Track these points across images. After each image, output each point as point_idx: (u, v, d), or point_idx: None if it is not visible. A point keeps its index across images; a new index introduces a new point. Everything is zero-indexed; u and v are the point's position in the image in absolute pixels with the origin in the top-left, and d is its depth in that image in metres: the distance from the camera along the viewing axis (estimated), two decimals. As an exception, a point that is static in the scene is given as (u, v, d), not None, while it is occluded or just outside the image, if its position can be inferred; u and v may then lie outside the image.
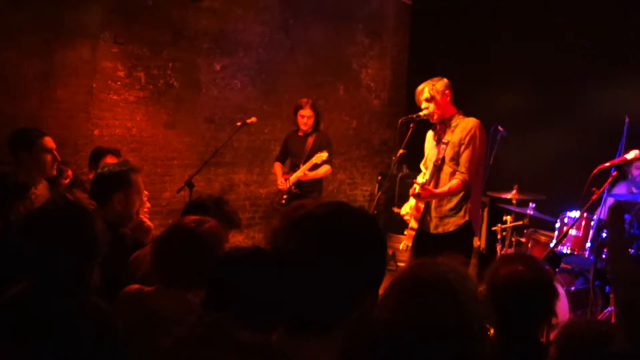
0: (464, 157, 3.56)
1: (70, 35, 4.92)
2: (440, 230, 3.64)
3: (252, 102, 6.09)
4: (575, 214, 4.22)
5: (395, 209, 6.42)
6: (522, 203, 4.95)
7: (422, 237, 3.67)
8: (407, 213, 3.77)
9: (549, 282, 1.94)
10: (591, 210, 3.95)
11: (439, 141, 3.72)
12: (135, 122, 5.40)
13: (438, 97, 3.63)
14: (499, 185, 5.11)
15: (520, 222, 4.97)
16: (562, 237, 3.92)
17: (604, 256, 3.97)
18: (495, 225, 5.12)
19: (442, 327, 1.08)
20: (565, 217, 4.33)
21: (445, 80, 3.73)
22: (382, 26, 7.16)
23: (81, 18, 4.95)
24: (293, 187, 5.12)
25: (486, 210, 5.55)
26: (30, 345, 1.68)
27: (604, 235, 3.98)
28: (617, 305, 2.28)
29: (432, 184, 3.66)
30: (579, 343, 1.64)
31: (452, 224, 3.61)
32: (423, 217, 3.70)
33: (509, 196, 4.97)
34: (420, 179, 3.93)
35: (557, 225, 4.39)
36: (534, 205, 4.88)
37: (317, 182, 5.23)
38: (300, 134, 5.25)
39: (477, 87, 6.02)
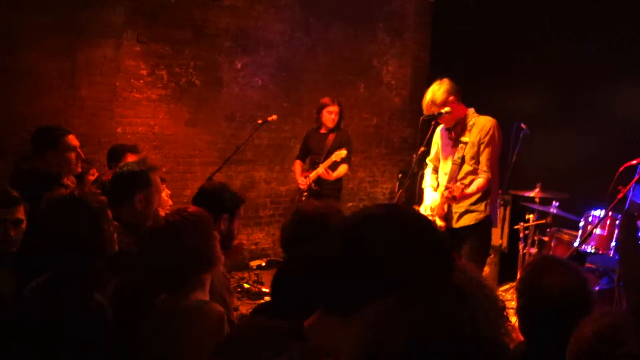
0: (485, 156, 3.69)
1: (93, 35, 4.98)
2: (462, 224, 3.79)
3: (273, 100, 6.11)
4: (599, 212, 4.15)
5: (416, 207, 6.41)
6: (545, 201, 4.89)
7: (446, 232, 3.78)
8: (431, 215, 3.86)
9: (591, 293, 1.87)
10: (616, 210, 3.86)
11: (456, 140, 3.79)
12: (158, 119, 5.45)
13: (444, 107, 3.67)
14: (521, 184, 5.05)
15: (543, 221, 4.92)
16: (587, 236, 3.85)
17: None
18: (517, 224, 5.07)
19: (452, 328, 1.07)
20: (589, 216, 4.26)
21: (445, 85, 3.72)
22: (403, 24, 7.11)
23: (104, 18, 5.01)
24: (313, 185, 5.12)
25: (508, 208, 5.49)
26: (38, 344, 1.69)
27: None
28: (630, 308, 2.23)
29: (452, 182, 3.73)
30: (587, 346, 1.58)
31: (473, 218, 3.77)
32: (447, 214, 3.84)
33: (531, 194, 4.91)
34: (430, 175, 3.95)
35: (581, 224, 4.32)
36: (557, 203, 4.82)
37: (338, 180, 5.22)
38: (323, 131, 5.25)
39: (499, 85, 5.95)
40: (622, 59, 5.16)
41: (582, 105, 5.42)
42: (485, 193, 3.75)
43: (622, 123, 5.00)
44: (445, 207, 3.82)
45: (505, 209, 5.44)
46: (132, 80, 5.26)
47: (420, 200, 6.34)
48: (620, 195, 2.88)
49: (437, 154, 4.02)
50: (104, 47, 5.06)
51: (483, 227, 3.79)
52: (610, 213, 4.01)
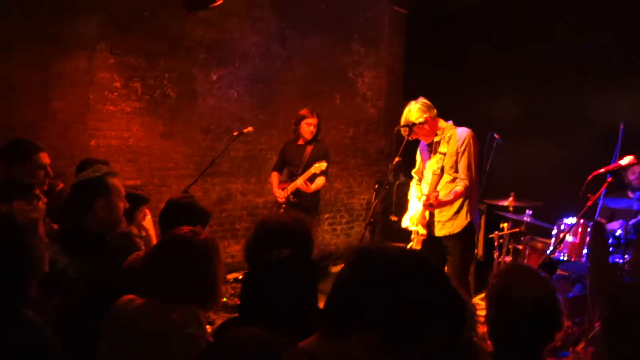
0: (462, 165, 3.82)
1: (66, 47, 4.93)
2: (446, 232, 3.91)
3: (249, 112, 6.11)
4: (572, 220, 4.24)
5: (393, 217, 6.47)
6: (519, 210, 4.98)
7: (429, 240, 3.92)
8: (414, 223, 3.96)
9: (559, 302, 1.92)
10: (587, 217, 3.96)
11: (435, 152, 3.92)
12: (132, 132, 5.40)
13: (420, 126, 3.80)
14: (495, 193, 5.13)
15: (517, 229, 4.99)
16: (558, 243, 3.93)
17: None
18: (492, 233, 5.14)
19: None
20: (562, 224, 4.34)
21: (418, 105, 3.84)
22: (377, 35, 7.20)
23: (77, 29, 4.96)
24: (291, 197, 5.12)
25: (483, 217, 5.57)
26: None
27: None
28: (601, 316, 2.29)
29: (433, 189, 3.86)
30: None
31: (457, 225, 3.89)
32: (429, 223, 3.95)
33: (505, 203, 4.99)
34: (415, 186, 4.07)
35: (554, 232, 4.40)
36: (530, 212, 4.90)
37: (315, 192, 5.23)
38: (301, 142, 5.26)
39: (473, 95, 6.06)
40: (593, 66, 5.29)
41: (555, 114, 5.54)
42: (465, 200, 3.87)
43: (593, 132, 5.11)
44: (427, 215, 3.90)
45: (480, 218, 5.52)
46: (106, 92, 5.22)
47: (397, 211, 6.42)
48: (589, 203, 2.96)
49: (420, 166, 4.18)
50: (77, 59, 5.01)
51: (466, 234, 3.90)
52: (581, 221, 4.10)
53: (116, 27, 5.19)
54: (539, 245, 4.72)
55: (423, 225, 3.92)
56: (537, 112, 5.67)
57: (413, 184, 4.26)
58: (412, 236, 4.00)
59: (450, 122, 3.96)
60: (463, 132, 3.86)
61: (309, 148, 5.20)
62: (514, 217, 4.96)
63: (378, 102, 7.36)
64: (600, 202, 3.67)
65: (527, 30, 5.78)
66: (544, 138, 5.54)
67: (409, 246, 3.95)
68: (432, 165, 3.92)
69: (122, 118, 5.33)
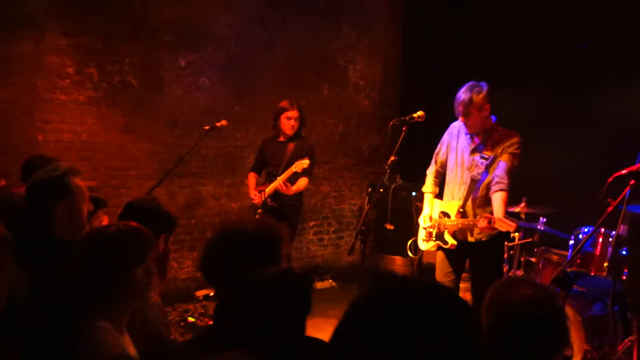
0: (506, 169, 4.00)
1: (10, 27, 4.89)
2: (474, 239, 4.12)
3: (223, 103, 6.11)
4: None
5: (388, 226, 6.50)
6: (532, 218, 5.01)
7: (452, 249, 4.17)
8: (435, 224, 4.20)
9: (559, 308, 1.97)
10: (608, 225, 4.00)
11: (476, 152, 4.09)
12: (87, 126, 5.38)
13: (477, 112, 3.99)
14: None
15: (530, 240, 5.02)
16: (575, 254, 3.96)
17: (624, 277, 4.02)
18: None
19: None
20: (580, 233, 4.38)
21: (484, 90, 4.02)
22: (371, 18, 7.23)
23: (23, 7, 4.93)
24: (269, 200, 5.13)
25: (491, 226, 5.61)
26: None
27: (624, 252, 4.04)
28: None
29: (470, 197, 4.10)
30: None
31: (485, 232, 4.05)
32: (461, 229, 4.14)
33: (516, 210, 5.01)
34: (433, 178, 4.38)
35: (572, 242, 4.43)
36: (544, 220, 4.94)
37: (298, 195, 5.24)
38: (281, 139, 5.27)
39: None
40: (613, 59, 5.35)
41: (571, 110, 5.58)
42: None
43: (615, 129, 5.16)
44: (459, 221, 4.07)
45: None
46: (57, 79, 5.18)
47: (393, 218, 6.45)
48: (609, 209, 2.99)
49: (445, 151, 4.32)
50: (22, 41, 4.97)
51: (498, 241, 4.19)
52: (601, 230, 4.14)
53: (69, 4, 5.16)
54: (554, 257, 4.75)
55: (451, 234, 4.13)
56: (553, 108, 5.71)
57: (429, 172, 4.43)
58: (424, 237, 4.25)
59: (495, 120, 4.13)
60: (513, 135, 4.04)
61: (291, 146, 5.21)
62: (526, 225, 4.99)
63: (372, 94, 7.38)
64: (623, 207, 3.70)
65: (540, 15, 5.81)
66: (559, 137, 5.58)
67: (422, 245, 4.27)
68: (469, 164, 4.09)
69: (74, 109, 5.30)
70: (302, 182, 5.16)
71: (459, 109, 4.00)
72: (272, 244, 2.01)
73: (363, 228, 3.81)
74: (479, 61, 6.18)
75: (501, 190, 3.96)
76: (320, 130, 6.88)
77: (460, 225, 4.09)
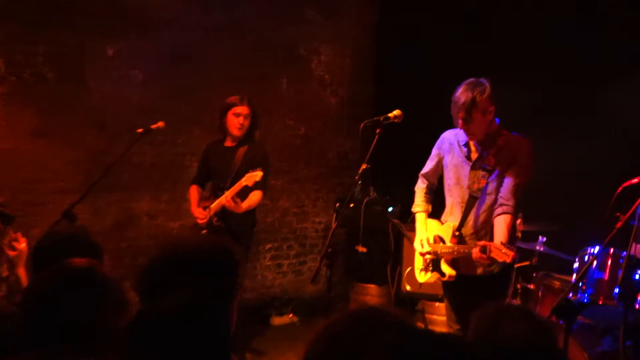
0: (513, 184, 3.93)
1: None
2: (481, 272, 4.05)
3: (160, 101, 6.05)
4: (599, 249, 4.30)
5: (360, 248, 6.48)
6: (529, 237, 5.04)
7: (455, 282, 4.13)
8: (432, 250, 4.15)
9: (559, 349, 1.96)
10: (618, 244, 4.03)
11: (477, 164, 4.04)
12: (-9, 128, 5.28)
13: (480, 117, 3.92)
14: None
15: (527, 263, 5.05)
16: (579, 279, 3.99)
17: (638, 306, 4.05)
18: (493, 268, 5.19)
19: None
20: (586, 254, 4.40)
21: (488, 89, 3.96)
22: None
23: None
24: (215, 219, 5.07)
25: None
26: None
27: (638, 277, 4.07)
28: None
29: (468, 219, 4.05)
30: None
31: (496, 264, 3.98)
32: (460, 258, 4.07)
33: (511, 227, 5.05)
34: (423, 195, 4.36)
35: (576, 265, 4.46)
36: (544, 239, 4.98)
37: (250, 213, 5.19)
38: (229, 143, 5.22)
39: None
40: (621, 53, 5.43)
41: (573, 110, 5.61)
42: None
43: (624, 132, 5.22)
44: (454, 247, 4.04)
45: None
46: (-47, 71, 5.09)
47: (366, 239, 6.43)
48: (619, 225, 3.01)
49: (436, 168, 4.30)
50: None
51: (506, 275, 4.17)
52: (610, 250, 4.17)
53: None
54: (556, 284, 4.77)
55: (448, 263, 4.09)
56: (553, 104, 5.76)
57: (418, 188, 4.42)
58: (421, 267, 4.20)
59: (499, 122, 4.06)
60: (522, 142, 4.00)
61: (241, 151, 5.17)
62: (523, 246, 5.02)
63: (340, 90, 7.38)
64: (636, 223, 3.72)
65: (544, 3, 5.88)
66: (559, 140, 5.61)
67: (420, 276, 4.22)
68: (469, 180, 4.05)
69: (-24, 108, 5.20)
70: (255, 196, 5.11)
71: (459, 114, 3.90)
72: (223, 269, 1.97)
73: (330, 251, 3.79)
74: (469, 53, 6.23)
75: (505, 213, 3.90)
76: (278, 133, 6.86)
77: (455, 252, 4.04)
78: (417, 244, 4.25)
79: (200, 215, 5.15)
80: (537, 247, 4.97)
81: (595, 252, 4.29)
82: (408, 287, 5.49)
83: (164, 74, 6.11)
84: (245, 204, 5.05)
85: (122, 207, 6.02)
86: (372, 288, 6.57)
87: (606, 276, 4.28)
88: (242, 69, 6.56)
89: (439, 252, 4.13)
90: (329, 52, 7.26)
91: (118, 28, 5.83)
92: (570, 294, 4.22)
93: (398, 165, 4.76)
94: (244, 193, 5.04)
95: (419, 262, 4.27)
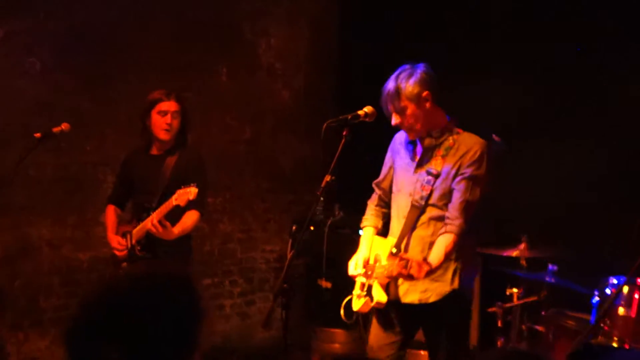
0: (460, 203, 3.95)
1: None
2: (414, 299, 4.05)
3: (63, 97, 6.02)
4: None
5: (323, 282, 6.45)
6: (537, 265, 5.07)
7: (387, 309, 4.13)
8: (368, 272, 4.13)
9: None
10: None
11: (421, 167, 4.07)
12: None
13: (413, 107, 3.94)
14: (497, 236, 5.21)
15: (535, 298, 5.08)
16: (601, 317, 4.02)
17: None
18: (492, 305, 5.20)
19: None
20: (607, 287, 4.44)
21: (419, 74, 3.98)
22: (292, -34, 7.29)
23: None
24: (138, 249, 5.02)
25: (477, 279, 5.64)
26: None
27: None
28: None
29: (408, 234, 4.05)
30: None
31: (434, 292, 4.01)
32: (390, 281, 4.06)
33: (514, 254, 5.09)
34: (374, 208, 4.41)
35: (596, 299, 4.50)
36: (555, 268, 5.00)
37: (184, 239, 5.14)
38: (154, 152, 5.18)
39: (453, 71, 6.16)
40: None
41: (588, 109, 5.68)
42: (454, 252, 3.97)
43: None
44: (384, 266, 4.03)
45: (473, 281, 5.59)
46: None
47: (330, 271, 6.41)
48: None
49: (389, 176, 4.34)
50: None
51: (448, 309, 4.03)
52: (638, 281, 4.21)
53: None
54: (571, 323, 4.81)
55: (382, 287, 4.05)
56: (560, 105, 5.82)
57: (371, 201, 4.46)
58: (358, 292, 4.18)
59: (451, 119, 4.10)
60: (475, 143, 4.02)
61: (170, 161, 5.12)
62: (529, 276, 5.05)
63: (295, 81, 7.39)
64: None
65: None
66: (571, 147, 5.68)
67: (355, 303, 4.20)
68: (411, 187, 4.07)
69: None
70: (190, 218, 5.06)
71: (388, 108, 3.99)
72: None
73: (285, 287, 3.78)
74: (455, 36, 6.28)
75: (448, 232, 3.94)
76: (216, 137, 6.86)
77: (386, 272, 4.02)
78: (351, 264, 4.26)
79: (119, 243, 5.09)
80: (547, 278, 4.99)
81: (620, 283, 4.34)
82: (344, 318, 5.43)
83: (68, 63, 6.08)
84: (177, 229, 4.99)
85: (15, 234, 5.95)
86: (339, 333, 6.53)
87: (633, 313, 4.33)
88: (169, 56, 6.55)
89: (372, 274, 4.13)
90: (281, 34, 7.28)
91: (9, 7, 5.79)
92: (590, 337, 4.27)
93: (370, 176, 4.73)
94: (175, 214, 4.99)
95: (356, 287, 4.28)
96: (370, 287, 4.13)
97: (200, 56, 6.77)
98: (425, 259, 3.74)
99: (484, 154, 3.99)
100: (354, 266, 4.22)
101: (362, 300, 4.12)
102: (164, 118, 5.08)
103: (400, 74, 3.97)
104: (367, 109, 3.89)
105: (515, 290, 5.13)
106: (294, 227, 6.96)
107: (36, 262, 6.03)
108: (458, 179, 3.96)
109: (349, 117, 3.86)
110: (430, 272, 3.75)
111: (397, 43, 6.51)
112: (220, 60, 6.92)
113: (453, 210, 3.94)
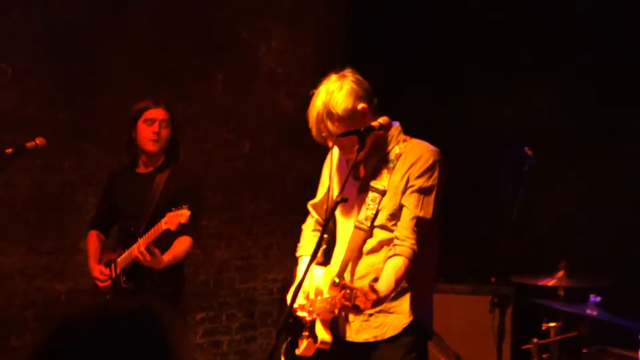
0: (411, 210, 3.84)
1: None
2: (369, 337, 3.94)
3: (39, 108, 6.04)
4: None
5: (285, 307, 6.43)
6: (577, 296, 5.05)
7: (338, 351, 3.95)
8: (309, 308, 3.96)
9: None
10: None
11: (364, 186, 3.97)
12: None
13: (347, 118, 3.84)
14: (530, 264, 5.19)
15: (575, 334, 5.06)
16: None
17: None
18: (526, 342, 5.17)
19: None
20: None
21: (349, 82, 3.91)
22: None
23: None
24: (123, 279, 5.02)
25: (509, 311, 5.61)
26: None
27: None
28: None
29: (351, 261, 3.95)
30: None
31: (390, 326, 3.91)
32: (334, 317, 3.93)
33: (550, 283, 5.06)
34: (309, 233, 4.41)
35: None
36: (597, 299, 4.98)
37: (175, 269, 5.13)
38: (142, 169, 5.18)
39: (473, 74, 6.17)
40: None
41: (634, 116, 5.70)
42: (409, 278, 3.86)
43: None
44: (326, 298, 3.89)
45: (502, 313, 5.56)
46: None
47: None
48: None
49: (326, 197, 4.26)
50: None
51: (405, 344, 3.94)
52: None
53: None
54: (617, 363, 4.80)
55: (325, 324, 3.93)
56: (600, 111, 5.82)
57: (307, 225, 4.46)
58: (303, 343, 4.00)
59: (397, 125, 3.98)
60: (425, 151, 3.92)
61: (161, 179, 5.12)
62: (568, 309, 5.02)
63: (300, 88, 7.38)
64: None
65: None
66: (620, 162, 5.68)
67: (297, 351, 4.01)
68: (354, 207, 3.98)
69: None
70: (182, 245, 5.05)
71: (318, 128, 3.91)
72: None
73: (290, 321, 3.75)
74: (475, 36, 6.28)
75: (397, 255, 3.81)
76: (211, 152, 6.88)
77: (328, 306, 3.90)
78: (290, 297, 3.96)
79: (102, 273, 5.07)
80: (588, 311, 4.97)
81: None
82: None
83: (44, 68, 6.10)
84: (168, 256, 4.98)
85: (-17, 263, 5.94)
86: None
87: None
88: (158, 59, 6.58)
89: (314, 310, 3.98)
90: (283, 34, 7.30)
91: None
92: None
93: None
94: (165, 240, 4.99)
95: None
96: (312, 325, 3.97)
97: (192, 61, 6.80)
98: (372, 287, 3.56)
99: (436, 162, 3.87)
100: (298, 299, 3.95)
101: (304, 342, 3.97)
102: (151, 127, 5.08)
103: (326, 89, 3.90)
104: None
105: (552, 324, 5.11)
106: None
107: (7, 294, 6.02)
108: (407, 192, 3.87)
109: (362, 129, 3.81)
110: (378, 302, 3.64)
111: (414, 43, 6.51)
112: (215, 66, 6.95)
113: (402, 229, 3.81)
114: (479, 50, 6.29)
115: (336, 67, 7.47)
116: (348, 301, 3.50)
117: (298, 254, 4.39)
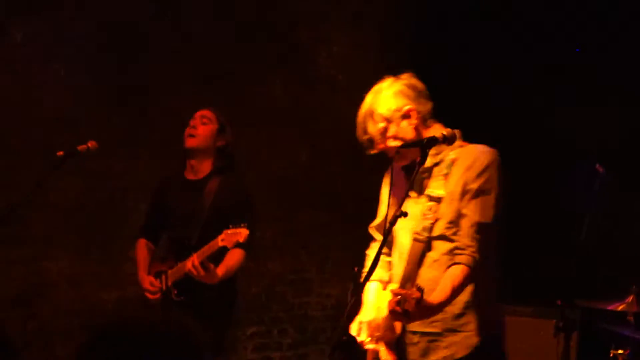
0: (470, 223, 3.76)
1: None
2: (438, 358, 3.85)
3: (90, 110, 6.09)
4: None
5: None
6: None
7: None
8: (370, 335, 3.89)
9: None
10: None
11: (421, 192, 3.93)
12: None
13: (396, 123, 3.89)
14: (600, 287, 5.14)
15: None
16: None
17: None
18: (594, 369, 5.14)
19: None
20: None
21: (398, 85, 3.96)
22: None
23: None
24: (175, 292, 5.04)
25: (575, 336, 5.57)
26: None
27: None
28: None
29: (413, 281, 3.82)
30: None
31: (461, 345, 3.81)
32: (400, 339, 3.88)
33: (620, 308, 5.01)
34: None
35: None
36: (672, 325, 4.93)
37: (228, 283, 5.13)
38: (190, 176, 5.20)
39: (542, 82, 6.14)
40: None
41: None
42: (473, 292, 3.82)
43: None
44: (399, 326, 3.88)
45: (567, 338, 5.52)
46: None
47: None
48: None
49: (384, 219, 4.22)
50: None
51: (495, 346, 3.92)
52: None
53: None
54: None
55: (389, 347, 3.90)
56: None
57: (372, 252, 4.30)
58: None
59: (457, 133, 3.86)
60: (481, 153, 3.85)
61: (211, 187, 5.13)
62: (638, 336, 4.97)
63: (361, 96, 7.38)
64: None
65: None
66: None
67: None
68: (413, 220, 3.87)
69: None
70: (234, 257, 5.04)
71: (359, 135, 4.01)
72: None
73: (345, 339, 3.74)
74: (546, 43, 6.25)
75: (458, 263, 3.72)
76: (267, 160, 6.90)
77: (379, 324, 3.89)
78: (354, 327, 3.97)
79: (152, 285, 5.09)
80: (661, 339, 4.92)
81: None
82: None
83: (96, 70, 6.15)
84: (221, 271, 4.97)
85: (30, 269, 6.00)
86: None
87: None
88: (213, 64, 6.62)
89: (377, 336, 3.92)
90: (345, 40, 7.31)
91: (29, 3, 5.88)
92: None
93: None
94: (217, 253, 4.98)
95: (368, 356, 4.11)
96: (377, 354, 3.93)
97: (249, 65, 6.82)
98: (417, 286, 3.45)
99: (493, 163, 3.80)
100: (360, 331, 3.95)
101: None
102: (190, 123, 5.11)
103: (377, 87, 3.98)
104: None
105: (620, 351, 5.05)
106: (355, 269, 6.94)
107: (53, 303, 6.08)
108: (465, 198, 3.81)
109: (425, 140, 3.79)
110: (430, 310, 3.60)
111: (485, 45, 6.49)
112: (273, 71, 6.97)
113: (462, 237, 3.73)
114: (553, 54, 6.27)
115: (401, 73, 7.48)
116: (398, 306, 3.41)
117: (362, 280, 4.15)
